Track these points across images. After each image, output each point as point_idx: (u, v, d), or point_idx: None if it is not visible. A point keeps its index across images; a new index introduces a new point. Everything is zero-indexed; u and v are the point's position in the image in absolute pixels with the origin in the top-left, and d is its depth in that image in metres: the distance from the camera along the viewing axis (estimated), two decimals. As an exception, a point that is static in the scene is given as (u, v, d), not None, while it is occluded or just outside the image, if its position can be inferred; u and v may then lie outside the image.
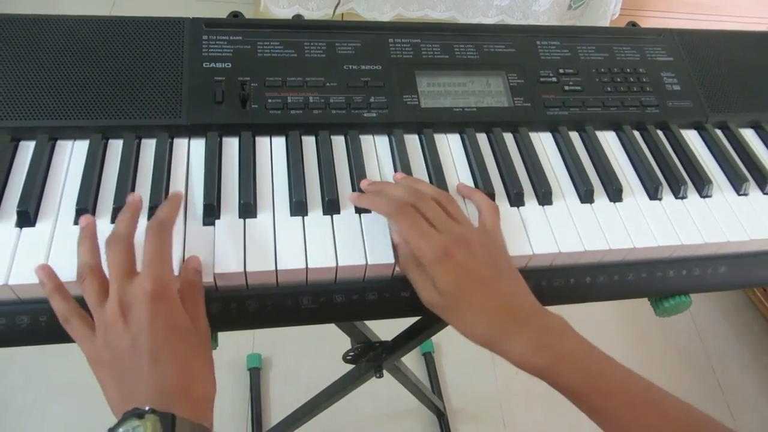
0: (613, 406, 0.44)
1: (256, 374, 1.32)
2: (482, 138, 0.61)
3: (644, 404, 0.44)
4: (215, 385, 0.44)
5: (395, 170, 0.57)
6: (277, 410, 1.29)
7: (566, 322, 0.47)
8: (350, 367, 0.96)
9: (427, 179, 0.57)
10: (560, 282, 0.55)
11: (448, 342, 1.47)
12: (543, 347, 0.45)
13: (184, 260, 0.47)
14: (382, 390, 1.18)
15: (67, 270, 0.45)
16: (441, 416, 1.32)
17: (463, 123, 0.61)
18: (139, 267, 0.43)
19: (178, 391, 0.40)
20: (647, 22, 1.96)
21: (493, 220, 0.52)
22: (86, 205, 0.49)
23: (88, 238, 0.45)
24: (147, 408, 0.37)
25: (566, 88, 0.64)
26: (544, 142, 0.63)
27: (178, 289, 0.44)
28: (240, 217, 0.51)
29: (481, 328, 0.46)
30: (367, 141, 0.59)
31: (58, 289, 0.44)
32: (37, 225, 0.48)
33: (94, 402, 1.27)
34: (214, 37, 0.59)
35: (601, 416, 0.44)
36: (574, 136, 0.63)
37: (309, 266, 0.48)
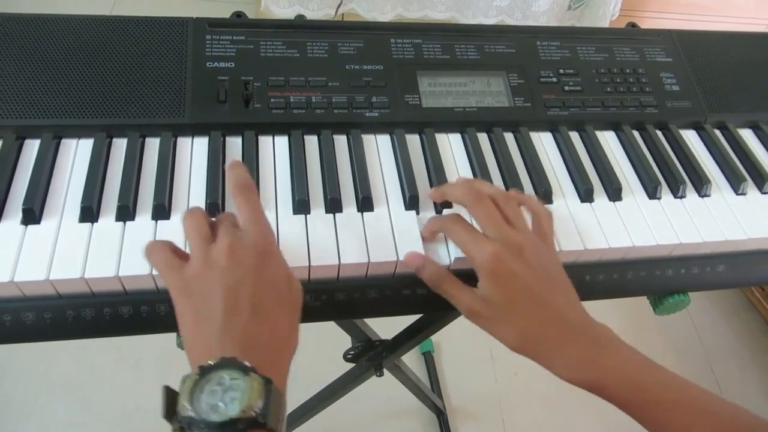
0: (664, 415, 0.43)
1: (256, 373, 1.32)
2: (483, 138, 0.62)
3: (697, 412, 0.43)
4: (295, 349, 0.42)
5: (397, 169, 0.57)
6: (277, 409, 1.29)
7: (613, 333, 0.47)
8: (350, 365, 0.97)
9: (427, 178, 0.57)
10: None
11: (447, 341, 1.47)
12: (590, 362, 0.44)
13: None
14: (382, 389, 1.19)
15: (72, 266, 0.45)
16: (441, 415, 1.33)
17: (464, 123, 0.61)
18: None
19: (268, 351, 0.39)
20: (646, 23, 1.96)
21: (548, 225, 0.51)
22: (91, 203, 0.49)
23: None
24: (248, 363, 0.35)
25: (566, 88, 0.64)
26: (544, 142, 0.63)
27: None
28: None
29: (527, 341, 0.45)
30: (369, 140, 0.59)
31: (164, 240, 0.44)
32: (42, 222, 0.48)
33: (95, 400, 1.29)
34: (218, 37, 0.59)
35: (654, 426, 0.44)
36: (574, 136, 0.64)
37: (311, 264, 0.49)
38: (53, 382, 1.29)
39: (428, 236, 0.52)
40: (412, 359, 1.43)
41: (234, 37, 0.59)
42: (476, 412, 1.38)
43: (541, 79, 0.64)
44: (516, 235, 0.47)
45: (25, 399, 1.26)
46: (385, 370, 0.95)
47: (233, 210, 0.44)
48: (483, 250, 0.45)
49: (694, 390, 0.44)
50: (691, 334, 1.61)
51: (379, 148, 0.59)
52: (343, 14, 1.86)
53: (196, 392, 0.34)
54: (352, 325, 0.89)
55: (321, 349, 1.10)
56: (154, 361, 1.31)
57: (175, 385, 0.36)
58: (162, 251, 0.42)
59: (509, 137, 0.62)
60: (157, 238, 0.46)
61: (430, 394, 1.26)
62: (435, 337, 1.46)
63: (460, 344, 1.47)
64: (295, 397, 1.14)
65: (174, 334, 0.50)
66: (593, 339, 0.46)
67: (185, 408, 0.34)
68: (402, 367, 1.06)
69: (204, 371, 0.35)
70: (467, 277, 0.49)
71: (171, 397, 0.36)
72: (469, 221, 0.50)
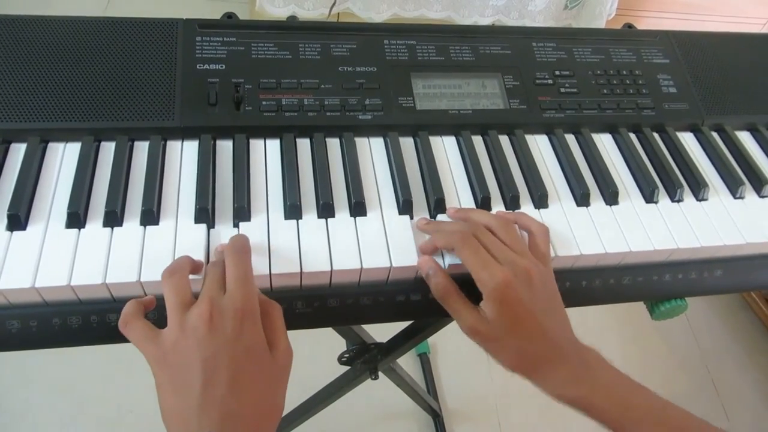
0: None
1: (251, 375, 1.32)
2: (478, 140, 0.61)
3: None
4: (280, 415, 0.43)
5: (391, 173, 0.56)
6: (272, 411, 1.28)
7: (600, 356, 0.48)
8: (345, 368, 0.96)
9: (421, 182, 0.57)
10: (557, 286, 0.54)
11: (443, 343, 1.47)
12: (578, 380, 0.46)
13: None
14: (377, 391, 1.18)
15: (58, 273, 0.45)
16: (437, 417, 1.32)
17: (458, 125, 0.60)
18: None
19: (249, 423, 0.39)
20: (643, 22, 1.96)
21: (544, 244, 0.51)
22: (78, 208, 0.48)
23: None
24: None
25: (562, 90, 0.64)
26: (540, 145, 0.62)
27: None
28: (234, 221, 0.50)
29: (522, 361, 0.47)
30: (362, 143, 0.58)
31: (138, 299, 0.44)
32: (28, 229, 0.47)
33: (89, 402, 1.27)
34: (208, 39, 0.58)
35: None
36: (570, 139, 0.63)
37: (303, 270, 0.48)
38: (47, 384, 1.28)
39: (428, 251, 0.50)
40: (407, 361, 1.43)
41: (225, 39, 0.58)
42: (472, 414, 1.38)
43: (537, 81, 0.63)
44: (523, 261, 0.47)
45: (19, 400, 1.25)
46: (380, 373, 0.94)
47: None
48: (494, 275, 0.46)
49: (678, 412, 0.46)
50: (687, 335, 1.61)
51: (372, 151, 0.58)
52: (338, 14, 1.85)
53: None
54: (347, 328, 0.88)
55: (315, 352, 1.09)
56: (147, 363, 1.30)
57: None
58: (137, 324, 0.42)
59: (504, 140, 0.62)
60: (129, 303, 0.43)
61: (426, 397, 1.25)
62: (431, 339, 1.46)
63: (455, 346, 1.46)
64: (289, 399, 1.12)
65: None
66: (582, 360, 0.48)
67: None
68: (397, 370, 1.06)
69: None
70: (459, 281, 0.48)
71: None
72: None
